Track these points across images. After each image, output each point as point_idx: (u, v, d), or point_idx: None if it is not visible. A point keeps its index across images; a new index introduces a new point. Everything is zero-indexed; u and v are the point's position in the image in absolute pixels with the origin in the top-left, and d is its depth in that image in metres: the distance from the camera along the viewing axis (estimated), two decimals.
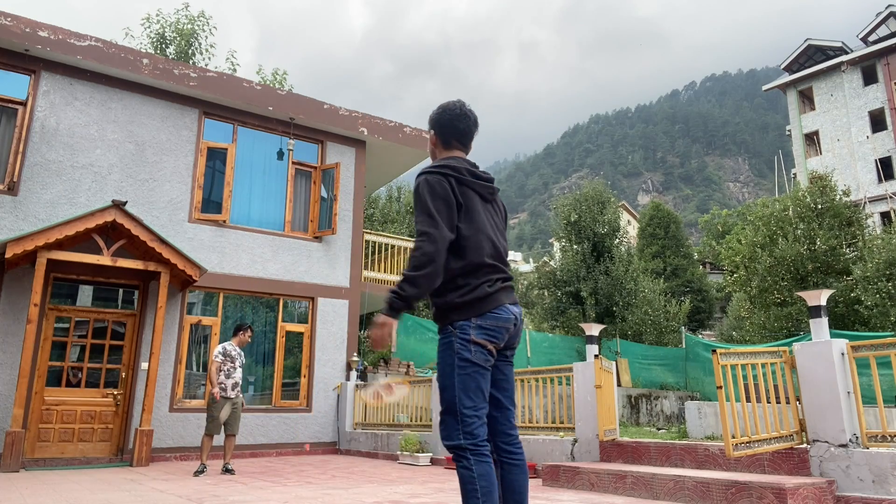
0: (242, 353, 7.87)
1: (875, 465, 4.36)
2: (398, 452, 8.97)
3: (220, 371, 7.57)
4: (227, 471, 7.46)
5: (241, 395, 7.73)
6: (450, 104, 2.79)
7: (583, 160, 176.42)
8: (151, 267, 9.23)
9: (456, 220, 2.49)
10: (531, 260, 64.58)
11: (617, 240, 22.08)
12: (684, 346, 20.36)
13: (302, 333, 11.52)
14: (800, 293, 5.03)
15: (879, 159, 31.20)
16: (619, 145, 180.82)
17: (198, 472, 7.28)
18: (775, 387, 5.00)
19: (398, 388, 3.43)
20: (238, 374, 7.68)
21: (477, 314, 2.46)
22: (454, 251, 2.48)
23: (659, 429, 12.85)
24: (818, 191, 19.36)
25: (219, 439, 7.86)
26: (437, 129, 2.78)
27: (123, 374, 9.69)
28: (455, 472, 2.46)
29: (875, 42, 32.87)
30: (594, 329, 6.89)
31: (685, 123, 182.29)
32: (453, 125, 2.74)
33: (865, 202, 29.18)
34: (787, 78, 36.29)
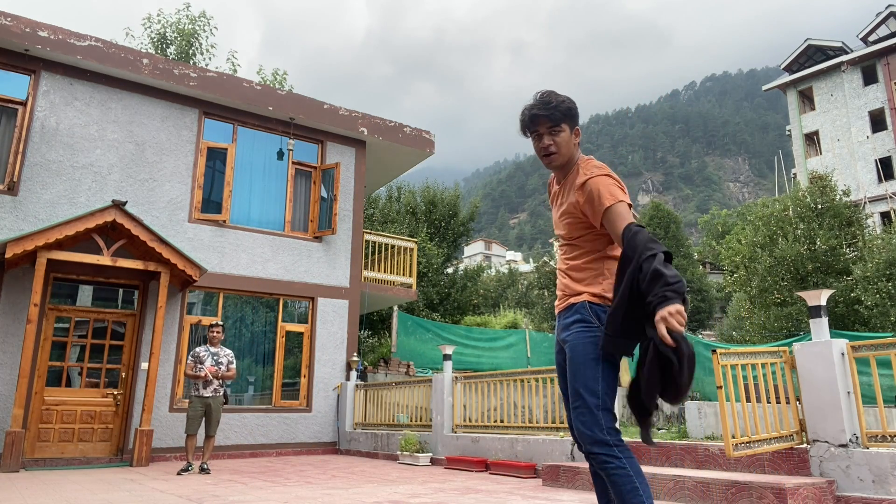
0: (220, 352, 7.84)
1: (875, 465, 4.36)
2: (398, 452, 8.97)
3: (193, 368, 7.72)
4: (202, 470, 7.50)
5: (218, 394, 7.70)
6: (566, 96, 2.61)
7: None
8: (151, 267, 9.23)
9: None
10: (531, 260, 64.55)
11: None
12: None
13: (302, 333, 11.51)
14: (800, 293, 5.03)
15: (879, 159, 31.19)
16: (618, 145, 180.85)
17: (181, 471, 7.41)
18: (775, 387, 5.00)
19: None
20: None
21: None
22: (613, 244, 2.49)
23: (659, 429, 12.84)
24: (818, 191, 19.37)
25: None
26: (577, 123, 2.59)
27: (123, 374, 9.69)
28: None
29: (875, 42, 32.86)
30: None
31: (685, 123, 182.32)
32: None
33: (865, 202, 29.18)
34: (787, 78, 36.28)
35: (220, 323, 8.15)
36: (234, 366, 7.92)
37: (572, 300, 2.52)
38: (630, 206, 2.45)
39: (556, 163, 2.58)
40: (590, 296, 2.49)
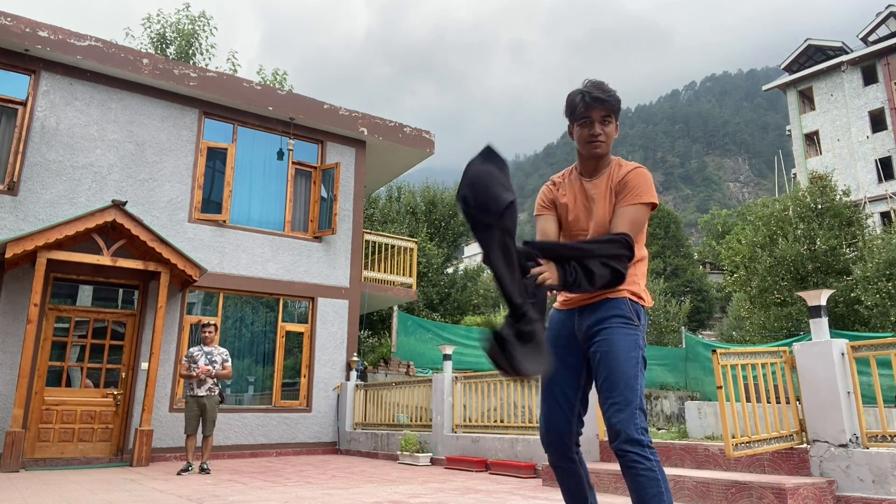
0: (214, 351, 7.83)
1: (875, 465, 4.36)
2: (398, 452, 8.97)
3: (188, 372, 7.73)
4: (202, 470, 7.51)
5: (213, 393, 7.70)
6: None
7: None
8: (151, 267, 9.23)
9: None
10: None
11: None
12: (684, 346, 20.36)
13: (302, 333, 11.51)
14: (800, 293, 5.04)
15: (879, 159, 31.19)
16: (618, 145, 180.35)
17: (181, 471, 7.43)
18: (775, 387, 5.00)
19: None
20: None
21: None
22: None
23: (659, 429, 12.84)
24: (818, 191, 19.37)
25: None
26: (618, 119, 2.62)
27: (123, 374, 9.69)
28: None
29: (875, 42, 32.86)
30: None
31: (685, 123, 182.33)
32: None
33: (865, 202, 29.17)
34: (787, 78, 36.28)
35: (213, 322, 8.15)
36: (228, 364, 7.89)
37: (609, 295, 2.46)
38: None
39: (600, 151, 2.53)
40: (629, 293, 2.47)
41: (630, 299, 2.47)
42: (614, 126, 2.54)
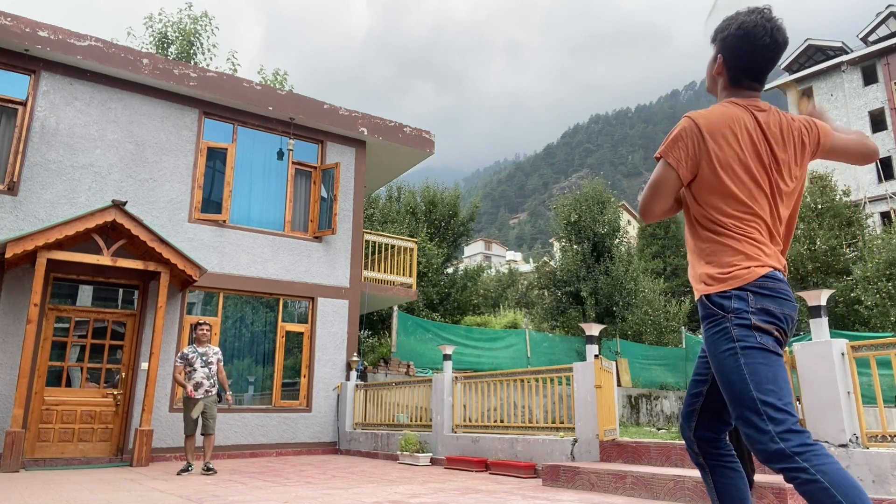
0: (208, 351, 7.80)
1: (875, 465, 4.36)
2: (398, 452, 8.97)
3: (183, 374, 7.68)
4: (207, 469, 7.48)
5: (210, 394, 7.67)
6: (748, 18, 2.13)
7: (583, 160, 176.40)
8: (151, 267, 9.23)
9: None
10: (531, 260, 64.58)
11: (617, 240, 22.08)
12: (684, 346, 20.37)
13: (302, 333, 11.51)
14: (800, 293, 5.03)
15: (879, 159, 31.20)
16: (619, 145, 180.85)
17: (181, 471, 7.42)
18: None
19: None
20: (199, 375, 7.63)
21: None
22: None
23: (659, 429, 12.84)
24: (818, 191, 19.37)
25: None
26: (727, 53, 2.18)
27: (123, 374, 9.69)
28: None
29: (875, 42, 32.86)
30: (594, 329, 6.88)
31: None
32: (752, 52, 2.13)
33: (865, 202, 29.18)
34: (787, 78, 36.26)
35: (208, 322, 8.12)
36: (222, 364, 7.89)
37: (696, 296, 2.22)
38: None
39: None
40: (701, 284, 2.20)
41: (704, 294, 2.09)
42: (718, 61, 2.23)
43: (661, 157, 2.10)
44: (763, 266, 2.01)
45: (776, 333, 2.04)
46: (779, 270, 2.07)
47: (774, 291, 2.02)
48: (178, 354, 7.85)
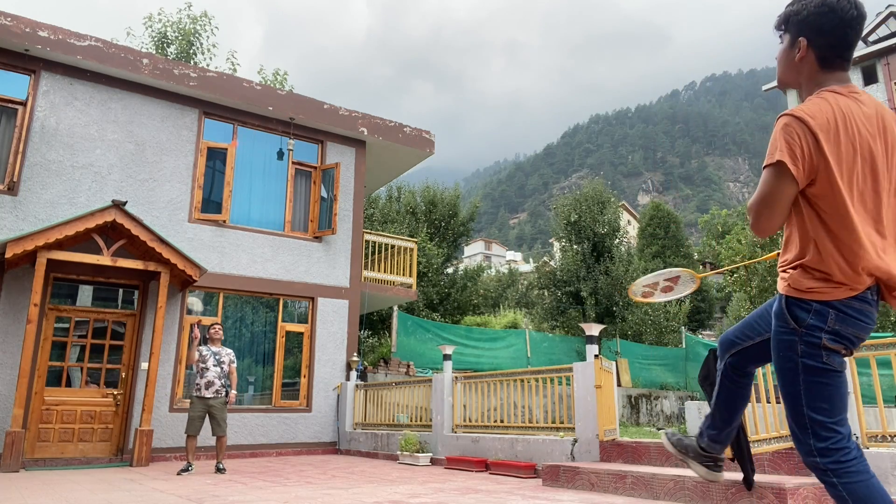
0: (221, 352, 7.87)
1: (875, 465, 4.35)
2: (398, 452, 8.97)
3: (196, 366, 7.81)
4: (218, 470, 7.53)
5: (220, 395, 7.71)
6: None
7: (583, 160, 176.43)
8: (151, 267, 9.23)
9: None
10: (531, 260, 64.58)
11: (617, 240, 22.09)
12: (684, 346, 20.38)
13: (302, 333, 11.52)
14: None
15: None
16: (619, 145, 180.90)
17: (181, 471, 7.43)
18: (775, 387, 5.00)
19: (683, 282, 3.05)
20: (211, 374, 7.69)
21: None
22: None
23: (659, 429, 12.85)
24: None
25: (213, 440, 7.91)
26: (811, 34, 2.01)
27: (123, 374, 9.69)
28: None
29: (875, 42, 32.87)
30: (594, 329, 6.88)
31: (685, 123, 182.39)
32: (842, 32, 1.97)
33: None
34: None
35: (219, 322, 8.21)
36: (234, 365, 7.98)
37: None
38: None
39: None
40: (789, 287, 2.11)
41: (785, 295, 2.02)
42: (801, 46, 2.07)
43: (770, 165, 1.91)
44: (854, 288, 1.92)
45: (844, 352, 1.99)
46: (872, 287, 1.96)
47: (858, 314, 1.94)
48: (198, 345, 7.91)
